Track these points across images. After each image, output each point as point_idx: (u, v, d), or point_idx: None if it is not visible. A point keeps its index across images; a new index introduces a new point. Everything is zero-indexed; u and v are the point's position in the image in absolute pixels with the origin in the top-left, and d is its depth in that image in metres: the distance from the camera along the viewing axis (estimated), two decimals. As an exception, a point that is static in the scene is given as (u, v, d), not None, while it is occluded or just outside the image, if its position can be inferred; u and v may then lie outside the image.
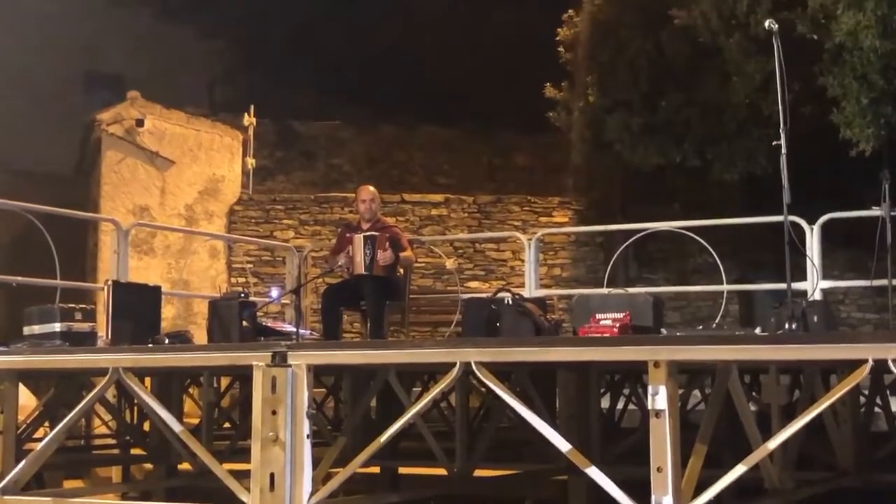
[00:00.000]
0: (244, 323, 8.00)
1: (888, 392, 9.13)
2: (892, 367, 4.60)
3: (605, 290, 9.32)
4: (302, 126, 24.81)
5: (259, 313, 8.55)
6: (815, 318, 6.37)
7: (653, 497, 4.88)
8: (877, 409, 9.03)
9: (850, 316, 18.61)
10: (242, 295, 8.46)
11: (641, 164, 15.98)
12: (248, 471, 5.74)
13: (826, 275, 9.62)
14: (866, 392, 8.90)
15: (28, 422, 9.06)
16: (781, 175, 6.62)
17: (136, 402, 10.10)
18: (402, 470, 9.80)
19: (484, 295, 11.00)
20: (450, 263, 18.13)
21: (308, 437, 5.68)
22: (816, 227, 9.25)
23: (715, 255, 10.34)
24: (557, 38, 18.90)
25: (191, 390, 11.33)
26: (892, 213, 7.11)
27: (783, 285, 6.80)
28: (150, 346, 7.47)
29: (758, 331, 6.34)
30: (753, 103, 13.96)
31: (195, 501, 7.91)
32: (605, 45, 16.61)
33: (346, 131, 24.95)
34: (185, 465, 8.98)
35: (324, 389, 11.65)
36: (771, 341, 5.23)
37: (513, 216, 20.36)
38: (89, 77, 24.60)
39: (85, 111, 19.92)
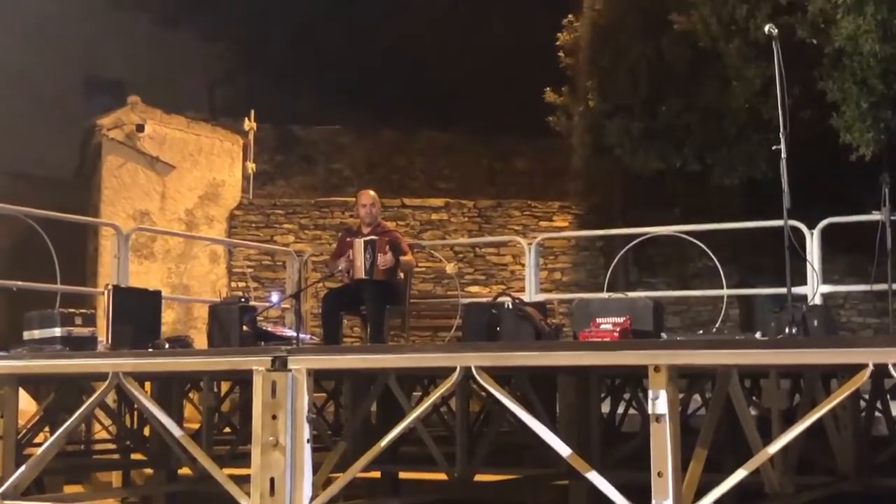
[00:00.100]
0: (244, 327, 8.01)
1: (888, 396, 9.12)
2: (893, 372, 4.60)
3: (605, 295, 9.32)
4: (302, 130, 24.81)
5: (259, 318, 8.55)
6: (816, 323, 6.37)
7: (653, 501, 4.88)
8: (877, 414, 9.02)
9: (851, 320, 18.61)
10: (243, 299, 8.47)
11: (642, 169, 15.98)
12: (249, 475, 5.74)
13: (826, 279, 9.62)
14: (867, 396, 8.90)
15: (28, 426, 9.06)
16: (781, 179, 6.62)
17: (136, 406, 10.10)
18: (403, 475, 9.80)
19: (484, 299, 11.02)
20: (450, 268, 18.13)
21: (308, 441, 5.68)
22: (816, 232, 9.25)
23: (715, 260, 10.33)
24: (557, 43, 18.90)
25: (191, 395, 11.32)
26: (892, 218, 7.12)
27: (783, 290, 6.80)
28: (151, 350, 7.47)
29: (758, 335, 6.34)
30: (753, 108, 13.96)
31: (195, 506, 7.93)
32: (606, 50, 16.62)
33: (347, 136, 24.94)
34: (185, 470, 8.98)
35: (324, 394, 11.65)
36: (771, 346, 5.24)
37: (513, 220, 20.36)
38: (89, 81, 24.60)
39: (85, 116, 19.92)
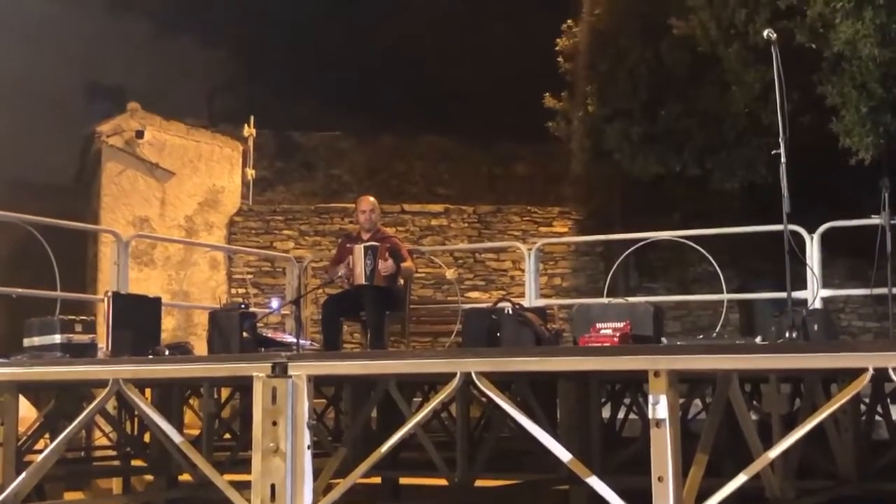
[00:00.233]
0: (244, 334, 8.01)
1: (889, 400, 9.13)
2: (893, 376, 4.60)
3: (605, 300, 9.32)
4: (302, 136, 24.83)
5: (259, 324, 8.56)
6: (816, 327, 6.37)
7: (654, 506, 4.88)
8: (877, 418, 9.03)
9: (851, 324, 18.61)
10: (242, 306, 8.47)
11: (641, 174, 15.97)
12: (249, 482, 5.74)
13: (826, 283, 9.63)
14: (867, 400, 8.91)
15: (28, 433, 9.05)
16: (781, 184, 6.62)
17: (136, 413, 10.09)
18: (403, 480, 9.80)
19: (484, 305, 11.00)
20: (450, 274, 18.14)
21: (308, 447, 5.68)
22: (816, 236, 9.26)
23: (715, 265, 10.34)
24: (557, 48, 18.91)
25: (191, 401, 11.33)
26: (892, 222, 7.12)
27: (783, 294, 6.80)
28: (151, 357, 7.47)
29: (758, 340, 6.35)
30: (753, 112, 13.96)
31: (196, 512, 7.92)
32: (605, 55, 16.62)
33: (346, 141, 24.96)
34: (185, 477, 8.98)
35: (324, 400, 11.65)
36: (771, 350, 5.23)
37: (513, 226, 20.38)
38: (89, 88, 24.64)
39: (85, 122, 19.96)
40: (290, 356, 5.85)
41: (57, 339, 7.64)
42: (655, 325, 6.56)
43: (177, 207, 18.88)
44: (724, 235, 10.98)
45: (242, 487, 5.95)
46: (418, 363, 5.83)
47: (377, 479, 9.57)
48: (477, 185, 24.16)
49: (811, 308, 8.05)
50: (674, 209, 17.01)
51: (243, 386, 9.11)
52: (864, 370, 4.67)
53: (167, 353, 7.77)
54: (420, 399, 10.41)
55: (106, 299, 8.23)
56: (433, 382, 9.71)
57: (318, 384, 6.15)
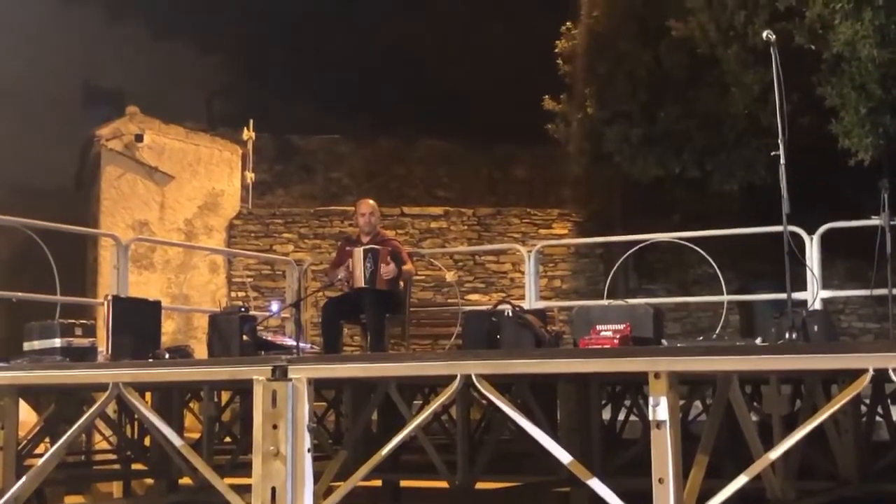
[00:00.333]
0: (244, 337, 8.00)
1: (889, 401, 9.12)
2: (893, 377, 4.60)
3: (605, 302, 9.31)
4: (301, 140, 24.84)
5: (259, 327, 8.54)
6: (816, 328, 6.36)
7: (654, 508, 4.88)
8: (878, 419, 9.02)
9: (851, 325, 18.61)
10: (242, 309, 8.46)
11: (641, 176, 15.98)
12: (250, 485, 5.74)
13: (826, 284, 9.62)
14: (867, 401, 8.90)
15: (29, 437, 9.05)
16: (781, 185, 6.62)
17: (136, 416, 10.09)
18: (404, 483, 9.79)
19: (484, 307, 10.99)
20: (450, 276, 18.13)
21: (309, 450, 5.68)
22: (816, 237, 9.25)
23: (715, 266, 10.33)
24: (556, 51, 18.91)
25: (191, 405, 11.32)
26: (892, 223, 7.11)
27: (783, 295, 6.80)
28: (151, 360, 7.46)
29: (758, 341, 6.34)
30: (752, 114, 13.96)
31: (196, 516, 7.92)
32: (604, 57, 16.61)
33: (345, 145, 24.97)
34: (186, 480, 8.97)
35: (324, 403, 11.65)
36: (771, 351, 5.23)
37: (512, 228, 20.38)
38: (88, 92, 24.65)
39: (84, 126, 19.95)
40: (291, 359, 5.85)
41: (57, 342, 7.63)
42: (655, 327, 6.55)
43: (176, 211, 18.88)
44: (723, 237, 10.96)
45: (243, 491, 5.95)
46: (418, 365, 5.83)
47: (378, 482, 9.56)
48: (476, 188, 24.18)
49: (811, 309, 8.04)
50: (673, 211, 17.02)
51: (243, 389, 9.11)
52: (865, 371, 4.67)
53: (167, 356, 7.76)
54: (420, 402, 10.40)
55: (106, 303, 8.23)
56: (433, 385, 9.70)
57: (319, 387, 6.15)
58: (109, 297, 8.32)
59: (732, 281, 14.53)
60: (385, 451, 5.81)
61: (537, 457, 7.49)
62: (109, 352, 7.78)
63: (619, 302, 7.95)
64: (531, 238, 19.31)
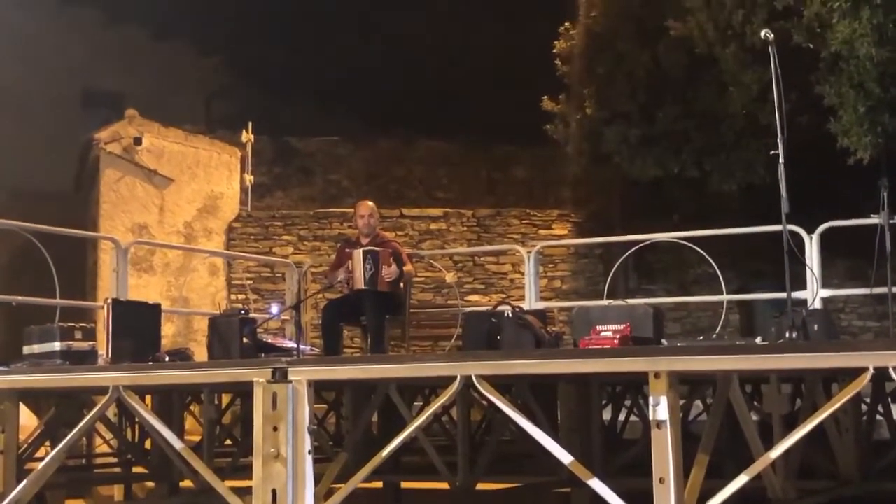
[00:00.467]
0: (244, 339, 7.99)
1: (890, 400, 9.12)
2: (893, 375, 4.60)
3: (604, 302, 9.31)
4: (300, 142, 24.85)
5: (259, 330, 8.54)
6: (816, 327, 6.36)
7: (655, 508, 4.88)
8: (879, 418, 9.02)
9: (851, 324, 18.62)
10: (242, 311, 8.45)
11: (640, 176, 15.97)
12: (250, 487, 5.74)
13: (826, 283, 9.62)
14: (868, 400, 8.90)
15: (29, 441, 9.05)
16: (780, 184, 6.62)
17: (137, 420, 10.10)
18: (405, 484, 9.80)
19: (484, 308, 10.99)
20: (449, 277, 18.14)
21: (309, 452, 5.68)
22: (815, 236, 9.26)
23: (714, 266, 10.33)
24: (554, 51, 18.91)
25: (192, 408, 11.32)
26: (891, 221, 7.12)
27: (783, 295, 6.80)
28: (151, 363, 7.46)
29: (758, 340, 6.34)
30: (751, 113, 13.95)
31: (197, 519, 7.92)
32: (602, 57, 16.60)
33: (344, 147, 24.97)
34: (186, 483, 8.97)
35: (325, 405, 11.65)
36: (771, 350, 5.23)
37: (512, 229, 20.39)
38: (87, 95, 24.65)
39: (83, 129, 19.94)
40: (291, 361, 5.85)
41: (57, 346, 7.63)
42: (655, 327, 6.55)
43: (175, 214, 18.88)
44: (723, 237, 10.96)
45: (244, 493, 5.94)
46: (418, 367, 5.82)
47: (379, 484, 9.57)
48: (476, 189, 24.19)
49: (811, 308, 8.05)
50: (673, 211, 17.01)
51: (244, 392, 9.11)
52: (865, 370, 4.67)
53: (167, 359, 7.75)
54: (421, 403, 10.40)
55: (105, 306, 8.23)
56: (434, 386, 9.71)
57: (319, 389, 6.15)
58: (109, 301, 8.32)
59: (732, 280, 14.53)
60: (385, 452, 5.81)
61: (538, 457, 7.50)
62: (109, 355, 7.78)
63: (619, 302, 7.94)
64: (531, 239, 19.32)
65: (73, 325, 7.87)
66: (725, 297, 11.33)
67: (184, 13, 24.65)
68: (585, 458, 7.51)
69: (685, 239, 10.95)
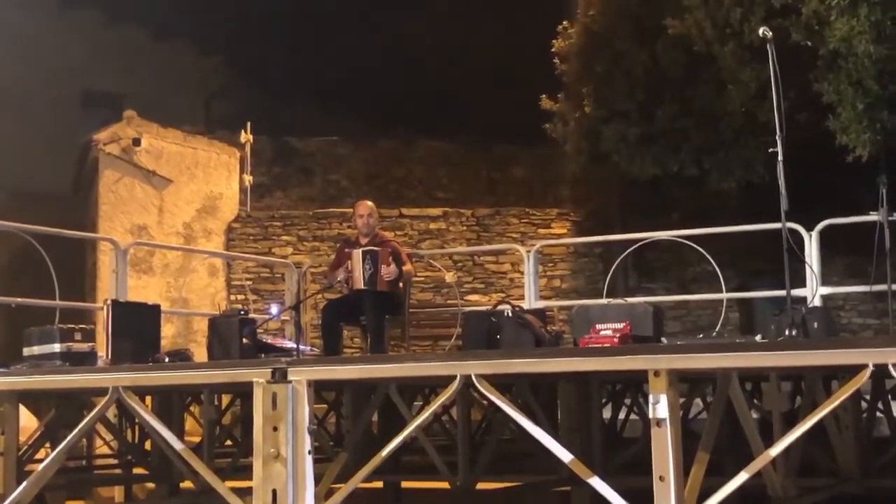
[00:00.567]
0: (244, 340, 8.00)
1: (889, 397, 9.13)
2: (893, 372, 4.60)
3: (604, 301, 9.31)
4: (299, 142, 24.85)
5: (259, 330, 8.54)
6: (815, 325, 6.36)
7: (656, 506, 4.88)
8: (879, 415, 9.02)
9: (851, 322, 18.62)
10: (242, 312, 8.47)
11: (639, 175, 15.98)
12: (251, 488, 5.73)
13: (825, 281, 9.62)
14: (868, 397, 8.90)
15: (29, 443, 9.04)
16: (779, 182, 6.62)
17: (137, 421, 10.10)
18: (405, 484, 9.79)
19: (484, 308, 10.99)
20: (449, 277, 18.14)
21: (309, 452, 5.67)
22: (815, 234, 9.26)
23: (714, 264, 10.33)
24: (552, 50, 18.89)
25: (192, 408, 11.32)
26: (890, 218, 7.12)
27: (783, 292, 6.80)
28: (151, 364, 7.46)
29: (758, 338, 6.34)
30: (749, 111, 13.95)
31: (198, 520, 7.91)
32: (600, 56, 16.60)
33: (344, 147, 24.97)
34: (187, 484, 8.97)
35: (325, 405, 11.65)
36: (771, 348, 5.23)
37: (511, 228, 20.39)
38: (86, 96, 24.63)
39: (82, 131, 19.93)
40: (290, 361, 5.85)
41: (56, 347, 7.63)
42: (655, 325, 6.56)
43: (175, 214, 18.87)
44: (722, 235, 10.96)
45: (244, 494, 5.94)
46: (418, 366, 5.82)
47: (379, 484, 9.57)
48: (475, 189, 24.19)
49: (811, 306, 8.06)
50: (672, 210, 17.02)
51: (244, 392, 9.11)
52: (864, 366, 4.67)
53: (167, 360, 7.75)
54: (421, 403, 10.40)
55: (105, 307, 8.22)
56: (433, 386, 9.71)
57: (319, 389, 6.14)
58: (109, 302, 8.32)
59: (732, 279, 14.53)
60: (386, 452, 5.81)
61: (538, 456, 7.50)
62: (109, 356, 7.78)
63: (619, 301, 7.95)
64: (530, 238, 19.32)
65: (72, 326, 7.87)
66: (725, 295, 11.32)
67: (184, 13, 24.64)
68: (586, 456, 7.51)
69: (684, 237, 10.95)
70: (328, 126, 24.49)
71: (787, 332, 6.09)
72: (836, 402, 5.05)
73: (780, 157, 6.65)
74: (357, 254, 9.51)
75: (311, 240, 19.97)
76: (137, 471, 10.17)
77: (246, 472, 6.18)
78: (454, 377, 5.46)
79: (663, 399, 4.89)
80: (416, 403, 10.26)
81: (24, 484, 6.72)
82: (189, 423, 10.85)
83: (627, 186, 17.52)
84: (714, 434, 5.36)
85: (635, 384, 9.84)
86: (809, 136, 11.89)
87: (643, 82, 15.78)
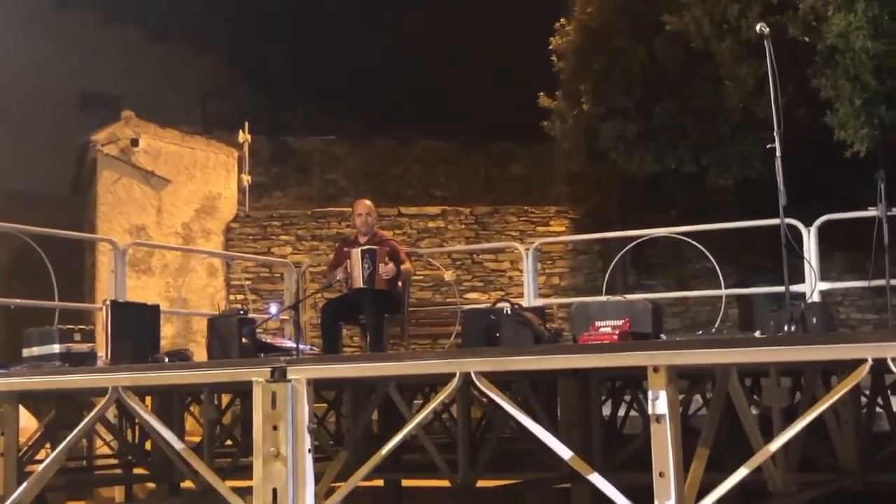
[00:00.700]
0: (243, 340, 8.00)
1: (889, 392, 9.13)
2: (892, 366, 4.60)
3: (603, 298, 9.32)
4: (297, 141, 24.84)
5: (258, 330, 8.54)
6: (815, 320, 6.36)
7: (656, 502, 4.88)
8: (878, 410, 9.03)
9: (850, 317, 18.60)
10: (241, 312, 8.47)
11: (637, 172, 15.96)
12: (251, 487, 5.73)
13: (824, 276, 9.62)
14: (867, 392, 8.91)
15: (29, 444, 9.05)
16: (777, 178, 6.63)
17: (137, 421, 10.10)
18: (405, 482, 9.80)
19: (483, 306, 11.00)
20: (448, 275, 18.13)
21: (309, 451, 5.67)
22: (813, 229, 9.26)
23: (713, 260, 10.33)
24: (550, 47, 18.87)
25: (192, 408, 11.32)
26: (889, 214, 7.12)
27: (781, 288, 6.80)
28: (150, 364, 7.46)
29: (757, 334, 6.34)
30: (747, 107, 13.95)
31: (198, 519, 7.92)
32: (598, 53, 16.58)
33: (342, 146, 24.97)
34: (187, 483, 8.97)
35: (324, 404, 11.65)
36: (770, 343, 5.23)
37: (510, 226, 20.38)
38: (83, 97, 24.62)
39: (80, 131, 19.92)
40: (290, 360, 5.85)
41: (56, 348, 7.63)
42: (654, 322, 6.56)
43: (173, 215, 18.87)
44: (721, 231, 10.95)
45: (245, 493, 5.94)
46: (418, 364, 5.82)
47: (379, 482, 9.59)
48: (474, 187, 24.19)
49: (809, 301, 8.06)
50: (670, 206, 17.00)
51: (243, 392, 9.11)
52: (863, 361, 4.67)
53: (166, 360, 7.75)
54: (420, 401, 10.41)
55: (104, 308, 8.23)
56: (433, 384, 9.71)
57: (319, 388, 6.14)
58: (108, 302, 8.32)
59: (731, 275, 14.52)
60: (385, 450, 5.81)
61: (538, 453, 7.51)
62: (109, 356, 7.78)
63: (618, 298, 7.96)
64: (529, 236, 19.31)
65: (72, 326, 7.87)
66: (724, 292, 11.32)
67: (181, 14, 24.64)
68: (586, 453, 7.51)
69: (683, 234, 10.94)
70: (326, 126, 24.50)
71: (786, 328, 6.10)
72: (836, 397, 5.06)
73: (778, 153, 6.65)
74: (356, 253, 9.52)
75: (310, 239, 19.97)
76: (138, 471, 10.18)
77: (246, 471, 6.19)
78: (454, 375, 5.46)
79: (663, 395, 4.89)
80: (415, 402, 10.26)
81: (25, 484, 6.72)
82: (189, 423, 10.85)
83: (626, 183, 17.50)
84: (714, 430, 5.36)
85: (635, 381, 9.85)
86: (807, 132, 11.89)
87: (641, 79, 15.77)
